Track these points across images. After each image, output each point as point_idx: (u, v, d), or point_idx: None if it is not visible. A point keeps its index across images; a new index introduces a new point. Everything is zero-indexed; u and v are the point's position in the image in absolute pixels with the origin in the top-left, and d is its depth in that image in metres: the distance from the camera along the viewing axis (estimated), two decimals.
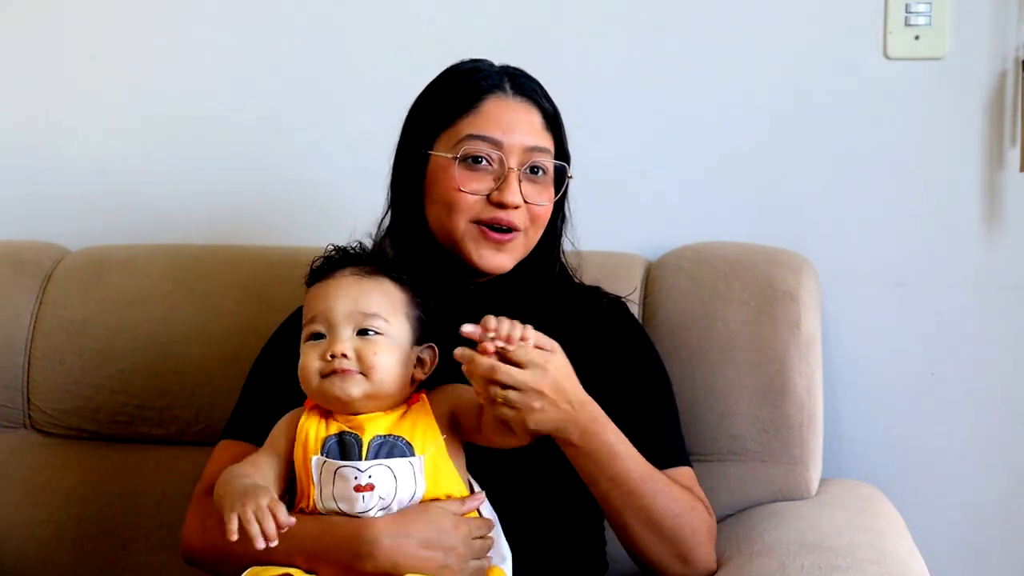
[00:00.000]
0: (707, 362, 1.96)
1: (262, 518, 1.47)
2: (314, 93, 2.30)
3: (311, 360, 1.57)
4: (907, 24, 2.14)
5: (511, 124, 1.72)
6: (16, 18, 2.37)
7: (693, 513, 1.66)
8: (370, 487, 1.53)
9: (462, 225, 1.72)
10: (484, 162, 1.71)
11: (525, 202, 1.72)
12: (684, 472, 1.74)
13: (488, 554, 1.60)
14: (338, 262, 1.63)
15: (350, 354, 1.55)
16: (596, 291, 1.85)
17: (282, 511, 1.48)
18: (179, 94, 2.33)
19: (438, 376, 1.64)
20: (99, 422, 2.13)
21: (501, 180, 1.70)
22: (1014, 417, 2.18)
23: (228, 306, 2.12)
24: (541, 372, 1.50)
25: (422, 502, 1.55)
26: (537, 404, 1.51)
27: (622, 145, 2.22)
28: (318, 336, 1.58)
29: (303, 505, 1.58)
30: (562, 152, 1.79)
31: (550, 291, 1.81)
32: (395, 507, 1.54)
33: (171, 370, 2.11)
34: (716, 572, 1.71)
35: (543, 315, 1.73)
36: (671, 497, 1.65)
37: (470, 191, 1.70)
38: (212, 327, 2.11)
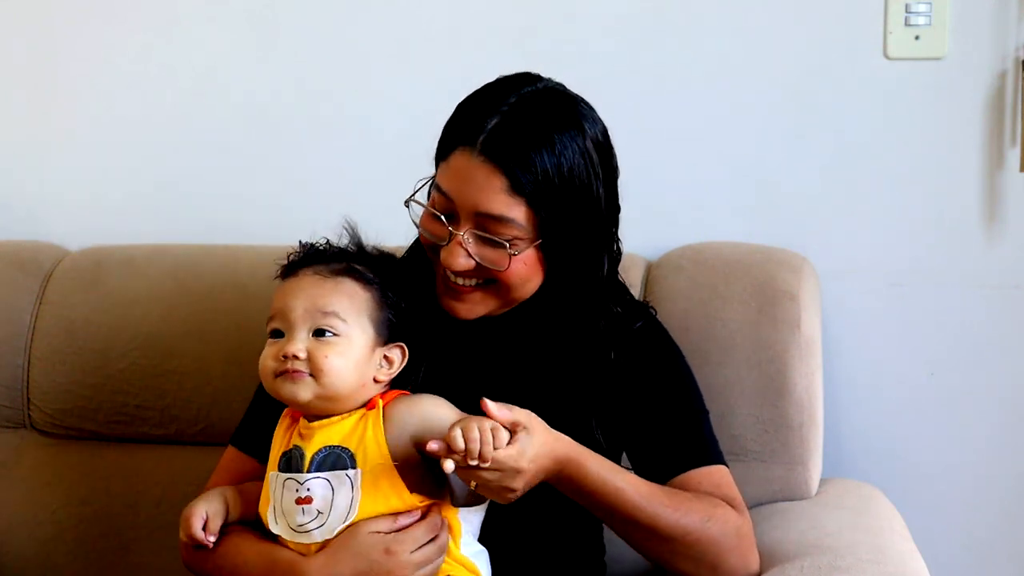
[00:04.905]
0: (707, 362, 1.95)
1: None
2: (314, 93, 2.30)
3: (267, 359, 1.56)
4: (907, 24, 2.14)
5: (465, 184, 1.60)
6: (16, 18, 2.37)
7: (710, 523, 1.60)
8: (308, 500, 1.52)
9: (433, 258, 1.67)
10: (444, 216, 1.63)
11: (479, 264, 1.60)
12: (715, 471, 1.68)
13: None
14: (304, 260, 1.62)
15: (302, 355, 1.53)
16: (631, 314, 1.74)
17: (196, 528, 1.59)
18: (179, 94, 2.33)
19: (422, 381, 1.64)
20: (99, 422, 2.13)
21: (450, 239, 1.61)
22: (1014, 417, 2.18)
23: (228, 306, 2.12)
24: (517, 462, 1.47)
25: (352, 529, 1.51)
26: (517, 484, 1.49)
27: (622, 145, 2.21)
28: (277, 334, 1.57)
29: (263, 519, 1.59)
30: (560, 219, 1.61)
31: (573, 318, 1.69)
32: (335, 522, 1.52)
33: (171, 370, 2.11)
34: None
35: (558, 345, 1.69)
36: (681, 513, 1.58)
37: (429, 234, 1.65)
38: (212, 327, 2.11)
